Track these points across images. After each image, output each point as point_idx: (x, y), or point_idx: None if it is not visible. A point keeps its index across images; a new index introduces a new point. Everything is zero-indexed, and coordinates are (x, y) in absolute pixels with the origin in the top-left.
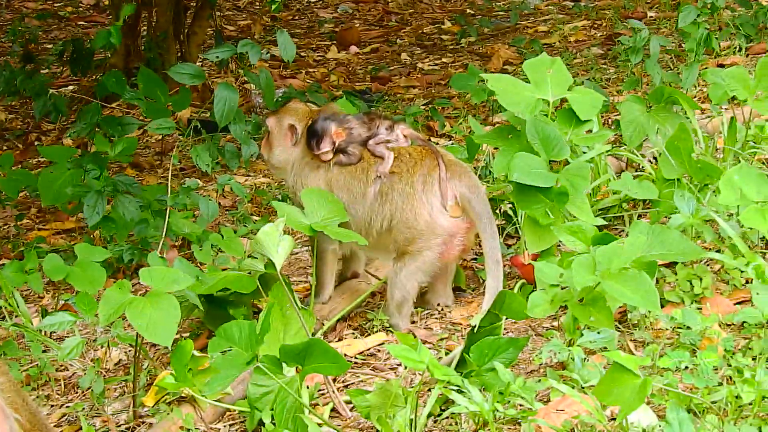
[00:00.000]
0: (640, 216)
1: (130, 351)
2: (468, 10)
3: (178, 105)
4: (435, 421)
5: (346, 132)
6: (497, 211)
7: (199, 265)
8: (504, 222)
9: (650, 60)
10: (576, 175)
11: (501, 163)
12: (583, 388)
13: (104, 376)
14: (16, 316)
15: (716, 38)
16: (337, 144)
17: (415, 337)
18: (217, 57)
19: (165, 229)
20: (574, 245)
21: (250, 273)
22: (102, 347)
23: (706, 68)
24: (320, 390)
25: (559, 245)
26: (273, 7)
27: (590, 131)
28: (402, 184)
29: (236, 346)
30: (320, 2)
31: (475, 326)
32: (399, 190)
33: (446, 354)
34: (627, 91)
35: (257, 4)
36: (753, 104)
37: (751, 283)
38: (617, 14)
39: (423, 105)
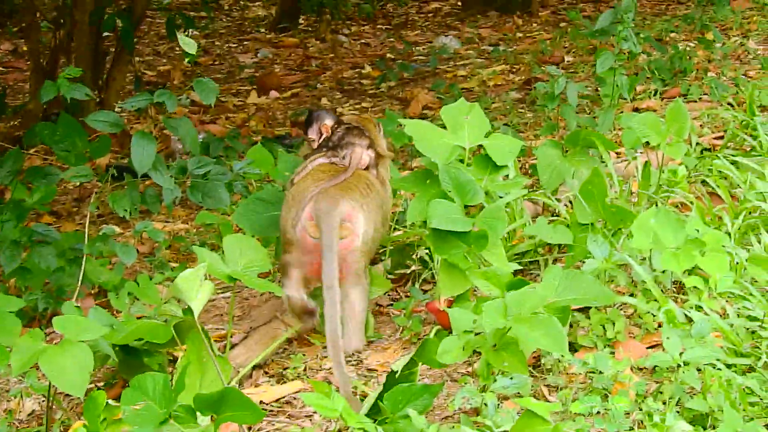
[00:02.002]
0: (555, 260)
1: (44, 401)
2: (388, 55)
3: (97, 152)
4: None
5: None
6: (414, 256)
7: (115, 313)
8: (420, 267)
9: (566, 106)
10: (493, 219)
11: (416, 208)
12: None
13: (17, 427)
14: None
15: (629, 84)
16: (323, 136)
17: (330, 384)
18: (133, 106)
19: (81, 277)
20: (488, 290)
21: (166, 320)
22: (15, 398)
23: (622, 112)
24: None
25: (475, 290)
26: (186, 60)
27: (507, 177)
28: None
29: (150, 400)
30: (240, 47)
31: (391, 372)
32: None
33: (362, 401)
34: (544, 136)
35: (177, 49)
36: (665, 149)
37: (663, 327)
38: (535, 59)
39: None
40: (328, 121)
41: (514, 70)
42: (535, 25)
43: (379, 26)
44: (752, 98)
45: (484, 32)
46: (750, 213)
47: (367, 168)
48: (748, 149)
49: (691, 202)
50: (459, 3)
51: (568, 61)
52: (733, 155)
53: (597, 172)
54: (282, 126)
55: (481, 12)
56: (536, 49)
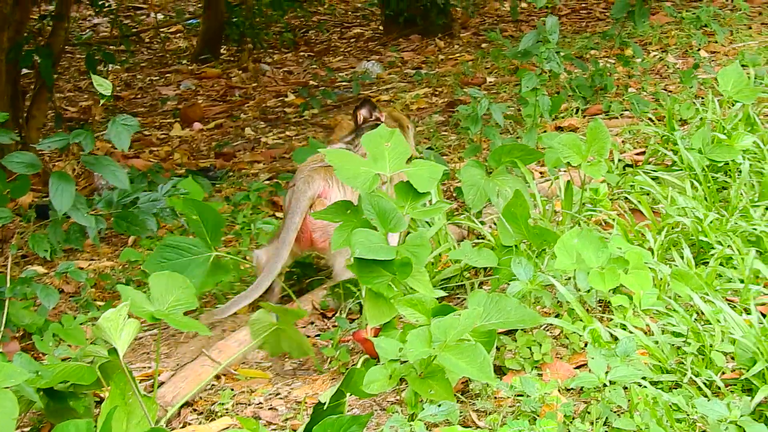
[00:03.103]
0: (481, 284)
1: None
2: (311, 82)
3: (17, 192)
4: None
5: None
6: (339, 288)
7: (41, 355)
8: (347, 297)
9: (490, 127)
10: (416, 246)
11: (339, 238)
12: None
13: None
14: None
15: (552, 104)
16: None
17: (258, 419)
18: (50, 147)
19: (4, 321)
20: (414, 318)
21: (92, 361)
22: None
23: (545, 131)
24: None
25: (401, 318)
26: (101, 101)
27: (430, 202)
28: None
29: None
30: (162, 80)
31: (319, 404)
32: None
33: None
34: (468, 158)
35: None
36: (585, 169)
37: (588, 347)
38: (458, 80)
39: (267, 180)
40: (364, 112)
41: (437, 92)
42: (456, 46)
43: (301, 54)
44: (671, 113)
45: (407, 56)
46: (672, 228)
47: None
48: (670, 164)
49: (614, 220)
50: (381, 27)
51: (490, 82)
52: (654, 171)
53: (519, 194)
54: (206, 158)
55: (403, 35)
56: (458, 71)
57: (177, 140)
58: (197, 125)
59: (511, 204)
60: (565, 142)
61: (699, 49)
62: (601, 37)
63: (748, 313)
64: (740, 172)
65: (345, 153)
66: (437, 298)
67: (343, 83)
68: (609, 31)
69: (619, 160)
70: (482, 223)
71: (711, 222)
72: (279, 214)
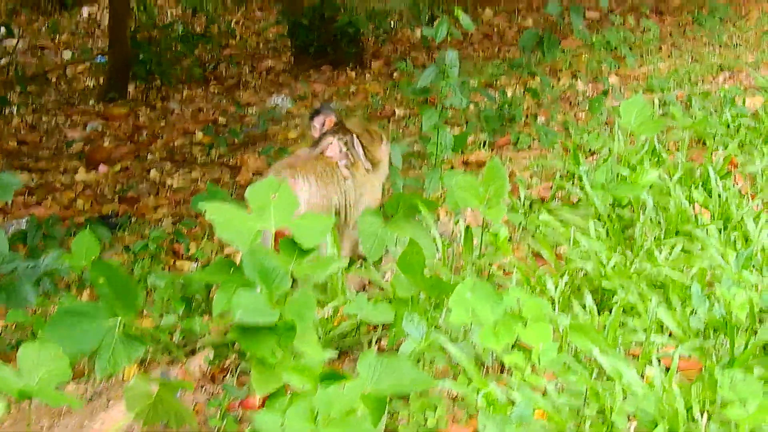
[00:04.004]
0: (379, 340)
1: None
2: (220, 119)
3: None
4: None
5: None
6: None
7: None
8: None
9: (392, 167)
10: (302, 307)
11: (221, 300)
12: None
13: None
14: None
15: (457, 141)
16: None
17: None
18: None
19: None
20: (301, 384)
21: None
22: None
23: (452, 167)
24: None
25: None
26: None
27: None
28: None
29: None
30: (69, 122)
31: None
32: None
33: None
34: None
35: None
36: (483, 212)
37: (480, 413)
38: (366, 114)
39: (173, 223)
40: (333, 117)
41: None
42: (368, 76)
43: (211, 89)
44: (576, 146)
45: (318, 87)
46: (574, 273)
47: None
48: (576, 200)
49: (514, 267)
50: (292, 59)
51: (399, 115)
52: (559, 209)
53: (414, 243)
54: (110, 202)
55: (314, 67)
56: (368, 103)
57: (81, 185)
58: (103, 168)
59: (406, 254)
60: (462, 184)
61: (609, 74)
62: (509, 66)
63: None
64: (645, 208)
65: (226, 207)
66: (329, 360)
67: (253, 118)
68: (516, 60)
69: (526, 197)
70: (383, 273)
71: (614, 266)
72: (179, 263)
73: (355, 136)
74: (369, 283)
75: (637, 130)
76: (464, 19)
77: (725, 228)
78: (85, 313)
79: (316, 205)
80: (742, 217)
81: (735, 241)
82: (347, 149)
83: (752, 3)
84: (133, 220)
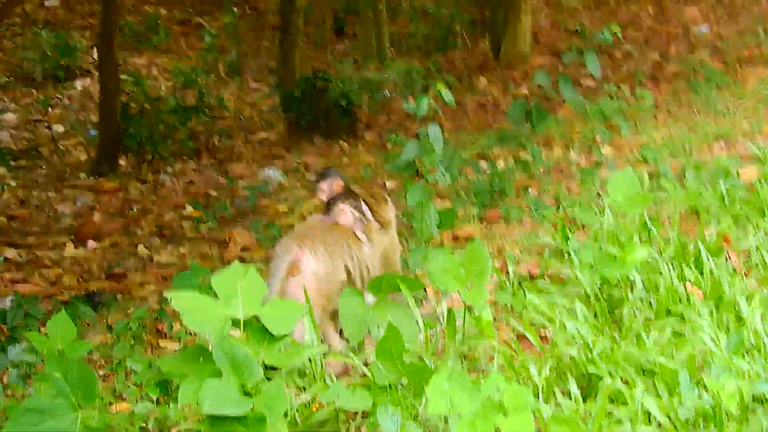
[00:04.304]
0: (358, 428)
1: None
2: (212, 192)
3: None
4: None
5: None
6: None
7: None
8: None
9: None
10: (272, 398)
11: (188, 390)
12: None
13: None
14: None
15: (443, 218)
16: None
17: None
18: None
19: None
20: None
21: None
22: None
23: (441, 243)
24: None
25: None
26: None
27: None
28: None
29: None
30: (59, 196)
31: None
32: None
33: None
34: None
35: None
36: (464, 296)
37: None
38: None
39: (157, 302)
40: (340, 181)
41: None
42: (361, 148)
43: (204, 161)
44: (563, 222)
45: (310, 159)
46: (560, 358)
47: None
48: (565, 278)
49: (496, 352)
50: (285, 131)
51: (390, 188)
52: (548, 287)
53: (392, 328)
54: (98, 280)
55: (307, 138)
56: (358, 174)
57: (69, 261)
58: (91, 244)
59: (384, 340)
60: (443, 266)
61: (603, 144)
62: (498, 139)
63: None
64: (634, 287)
65: (192, 296)
66: None
67: (246, 191)
68: (507, 132)
69: (514, 274)
70: (363, 358)
71: (601, 350)
72: (162, 343)
73: (361, 199)
74: (350, 368)
75: (626, 206)
76: (446, 95)
77: (717, 307)
78: (46, 410)
79: (323, 276)
80: (734, 297)
81: (728, 323)
82: (358, 213)
83: (749, 69)
84: (119, 297)
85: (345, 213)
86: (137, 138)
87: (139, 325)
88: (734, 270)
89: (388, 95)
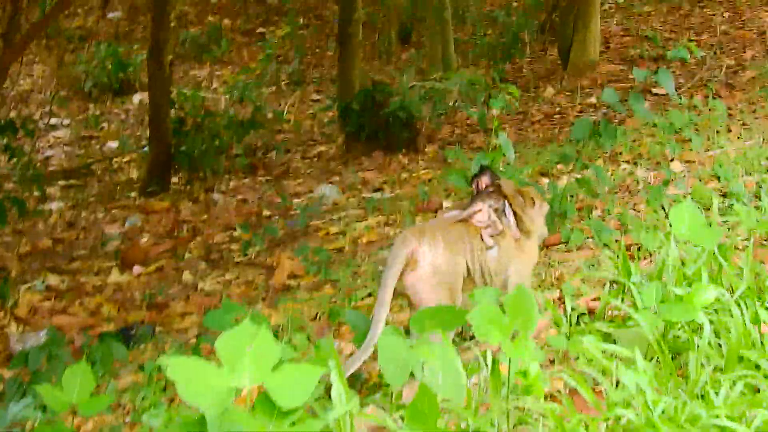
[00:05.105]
0: None
1: None
2: (265, 212)
3: None
4: None
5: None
6: None
7: None
8: None
9: None
10: None
11: None
12: None
13: None
14: None
15: None
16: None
17: None
18: None
19: None
20: None
21: None
22: None
23: None
24: None
25: None
26: None
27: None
28: None
29: None
30: (108, 216)
31: None
32: None
33: None
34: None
35: (9, 236)
36: (506, 349)
37: None
38: (413, 206)
39: (196, 336)
40: (485, 179)
41: (391, 221)
42: (421, 162)
43: (259, 178)
44: (625, 255)
45: (369, 175)
46: (616, 421)
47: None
48: (626, 317)
49: (543, 415)
50: (343, 145)
51: (446, 207)
52: (607, 330)
53: (425, 389)
54: (139, 309)
55: (366, 153)
56: (414, 193)
57: (112, 288)
58: (137, 269)
59: (418, 400)
60: (484, 315)
61: (672, 159)
62: (561, 156)
63: None
64: (701, 334)
65: (192, 362)
66: None
67: (300, 210)
68: (568, 153)
69: (573, 309)
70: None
71: (663, 411)
72: None
73: (507, 201)
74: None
75: (692, 241)
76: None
77: None
78: None
79: (440, 268)
80: None
81: None
82: (497, 215)
83: None
84: (157, 330)
85: (481, 213)
86: (190, 154)
87: None
88: None
89: (454, 105)
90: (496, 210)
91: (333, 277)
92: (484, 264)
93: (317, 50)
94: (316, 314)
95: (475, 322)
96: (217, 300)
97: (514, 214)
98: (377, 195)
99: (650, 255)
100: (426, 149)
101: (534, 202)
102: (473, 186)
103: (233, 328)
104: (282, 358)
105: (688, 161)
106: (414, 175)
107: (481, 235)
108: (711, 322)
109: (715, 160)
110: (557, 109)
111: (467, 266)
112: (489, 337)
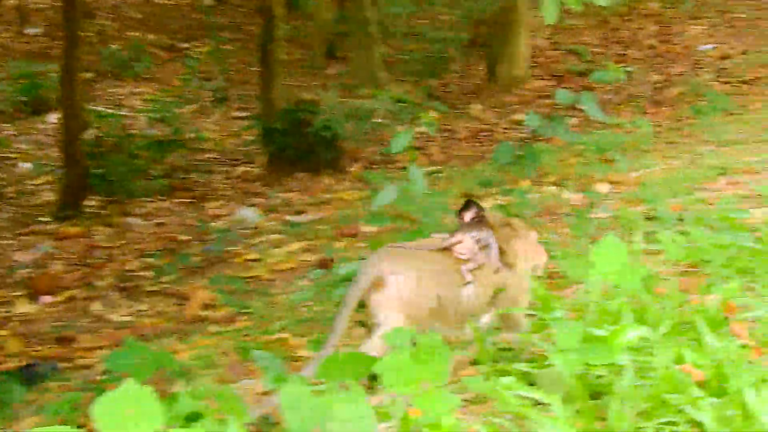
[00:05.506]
0: None
1: None
2: (181, 237)
3: None
4: None
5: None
6: None
7: None
8: None
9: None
10: None
11: None
12: None
13: None
14: None
15: None
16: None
17: None
18: None
19: None
20: None
21: None
22: None
23: None
24: None
25: None
26: None
27: None
28: None
29: None
30: (17, 243)
31: None
32: None
33: None
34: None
35: None
36: (415, 402)
37: None
38: (334, 230)
39: (101, 374)
40: (470, 213)
41: (311, 247)
42: (346, 183)
43: (178, 200)
44: (545, 290)
45: (293, 196)
46: None
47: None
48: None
49: None
50: (267, 165)
51: (367, 232)
52: (526, 371)
53: None
54: (46, 344)
55: (290, 173)
56: (334, 218)
57: (18, 321)
58: (46, 298)
59: None
60: (392, 364)
61: (598, 181)
62: (480, 184)
63: None
64: (622, 373)
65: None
66: None
67: (220, 233)
68: (490, 177)
69: (494, 343)
70: None
71: None
72: None
73: (491, 232)
74: None
75: (613, 280)
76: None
77: (722, 393)
78: None
79: (407, 301)
80: (740, 386)
81: (733, 418)
82: (479, 248)
83: (756, 92)
84: (61, 366)
85: (462, 244)
86: (106, 177)
87: (71, 406)
88: (743, 346)
89: (380, 123)
90: (478, 241)
91: (248, 308)
92: (459, 298)
93: (242, 66)
94: (228, 350)
95: (383, 372)
96: (129, 332)
97: (500, 248)
98: (299, 218)
99: (575, 285)
100: (350, 169)
101: (520, 234)
102: (458, 219)
103: (111, 392)
104: (177, 412)
105: (614, 182)
106: (337, 196)
107: (460, 269)
108: (634, 361)
109: (642, 181)
110: (485, 126)
111: (439, 298)
112: (397, 389)
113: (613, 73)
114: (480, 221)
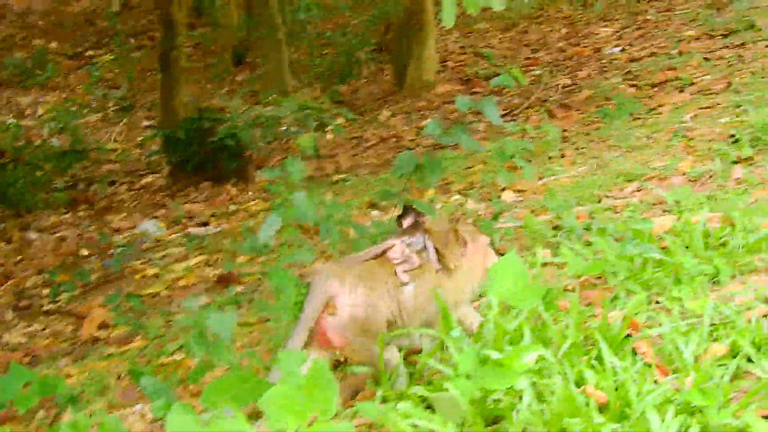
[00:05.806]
0: None
1: None
2: (83, 251)
3: None
4: None
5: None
6: None
7: None
8: None
9: (216, 346)
10: None
11: None
12: None
13: None
14: None
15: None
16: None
17: None
18: None
19: None
20: None
21: None
22: None
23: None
24: None
25: None
26: None
27: None
28: None
29: None
30: None
31: None
32: None
33: None
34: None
35: None
36: None
37: None
38: (235, 244)
39: None
40: (408, 219)
41: (212, 261)
42: (251, 193)
43: (80, 213)
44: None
45: (196, 207)
46: None
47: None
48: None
49: None
50: (170, 176)
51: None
52: (424, 391)
53: None
54: None
55: (194, 183)
56: (236, 230)
57: None
58: None
59: None
60: (277, 398)
61: (504, 189)
62: (380, 196)
63: None
64: (521, 398)
65: None
66: None
67: (122, 247)
68: (391, 188)
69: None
70: None
71: None
72: None
73: (427, 237)
74: None
75: (512, 301)
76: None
77: (624, 418)
78: None
79: (362, 318)
80: (644, 408)
81: None
82: (412, 251)
83: (663, 95)
84: None
85: (394, 249)
86: (3, 190)
87: None
88: (647, 365)
89: (286, 131)
90: (409, 245)
91: (145, 327)
92: (402, 302)
93: (148, 74)
94: (122, 373)
95: (267, 407)
96: (23, 355)
97: (436, 250)
98: (201, 230)
99: (480, 298)
100: (256, 179)
101: (465, 243)
102: (397, 226)
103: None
104: None
105: (520, 190)
106: (243, 207)
107: (396, 272)
108: (534, 384)
109: (548, 189)
110: (393, 132)
111: (387, 308)
112: (283, 424)
113: (513, 78)
114: (414, 227)
